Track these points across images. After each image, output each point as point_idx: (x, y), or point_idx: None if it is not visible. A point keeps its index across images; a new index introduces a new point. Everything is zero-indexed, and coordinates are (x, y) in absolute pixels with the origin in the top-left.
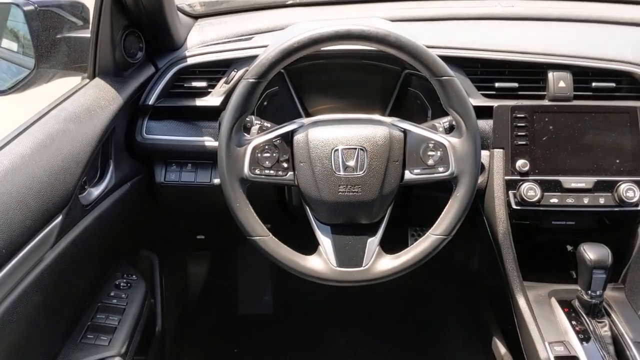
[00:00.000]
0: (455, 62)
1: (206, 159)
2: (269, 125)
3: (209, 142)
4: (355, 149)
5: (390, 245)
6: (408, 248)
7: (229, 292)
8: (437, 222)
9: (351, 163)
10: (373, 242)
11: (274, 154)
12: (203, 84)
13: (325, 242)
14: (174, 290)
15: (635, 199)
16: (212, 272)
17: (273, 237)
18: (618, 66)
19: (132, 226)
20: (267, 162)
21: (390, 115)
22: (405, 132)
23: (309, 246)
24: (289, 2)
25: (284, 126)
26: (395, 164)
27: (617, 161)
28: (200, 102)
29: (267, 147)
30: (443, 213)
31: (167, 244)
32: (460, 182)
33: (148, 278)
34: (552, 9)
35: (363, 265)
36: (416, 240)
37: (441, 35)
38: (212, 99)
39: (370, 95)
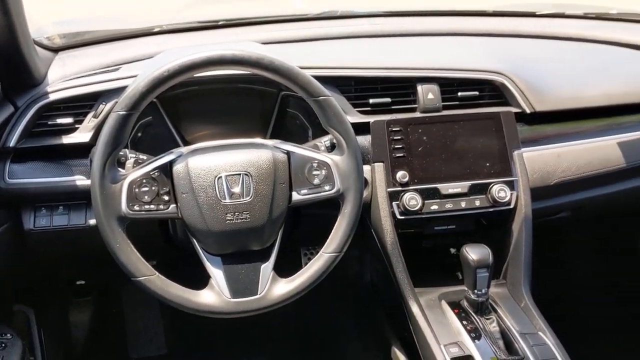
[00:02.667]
0: (330, 82)
1: (79, 199)
2: (145, 157)
3: (81, 180)
4: (240, 174)
5: (285, 268)
6: (302, 270)
7: (117, 337)
8: (328, 241)
9: (236, 189)
10: (267, 268)
11: (153, 188)
12: (69, 120)
13: (217, 273)
14: (56, 344)
15: (507, 199)
16: (97, 319)
17: (160, 275)
18: (479, 75)
19: (1, 281)
20: (146, 197)
21: (271, 137)
22: (288, 153)
23: (200, 280)
24: (156, 30)
25: (161, 157)
26: (282, 186)
27: (488, 164)
28: (67, 139)
29: (144, 181)
30: (333, 231)
31: (43, 295)
32: (347, 199)
33: (25, 335)
34: (415, 25)
35: (258, 293)
36: (309, 259)
37: (314, 55)
38: (81, 135)
39: (249, 119)
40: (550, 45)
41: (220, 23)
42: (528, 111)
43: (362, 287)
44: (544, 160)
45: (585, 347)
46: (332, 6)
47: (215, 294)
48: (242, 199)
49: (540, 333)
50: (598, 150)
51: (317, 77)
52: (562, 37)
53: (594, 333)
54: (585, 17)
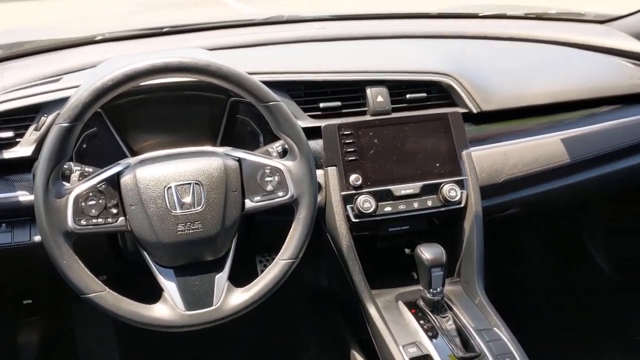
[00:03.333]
0: (279, 87)
1: (23, 215)
2: (90, 170)
3: (24, 196)
4: (190, 183)
5: (240, 277)
6: (258, 278)
7: (68, 356)
8: (283, 247)
9: (187, 199)
10: (221, 278)
11: (101, 201)
12: (9, 133)
13: (170, 286)
14: None
15: (457, 198)
16: (47, 338)
17: (110, 291)
18: (427, 77)
19: None
20: (93, 211)
21: (221, 145)
22: (239, 160)
23: (153, 293)
24: (99, 38)
25: (107, 169)
26: (234, 194)
27: (438, 165)
28: (8, 154)
29: (91, 194)
30: (288, 237)
31: None
32: (301, 204)
33: None
34: (361, 28)
35: (214, 304)
36: (265, 267)
37: (262, 60)
38: (22, 149)
39: (198, 127)
40: (494, 45)
41: (165, 30)
42: (475, 111)
43: (318, 291)
44: (491, 158)
45: (538, 339)
46: (279, 11)
47: (169, 308)
48: (193, 209)
49: (495, 329)
50: (543, 147)
51: (266, 83)
52: (505, 37)
53: (546, 325)
54: (526, 17)
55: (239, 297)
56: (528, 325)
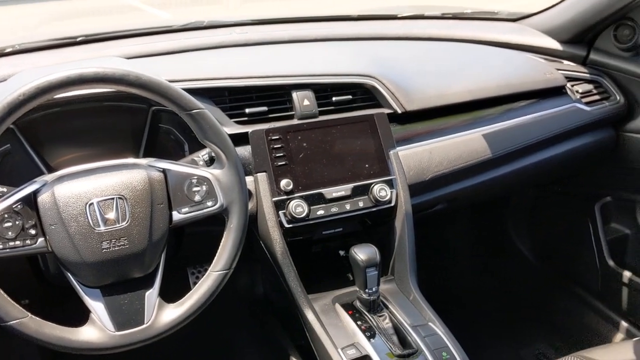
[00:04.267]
0: (203, 93)
1: None
2: (5, 190)
3: None
4: (113, 198)
5: (172, 291)
6: (191, 292)
7: None
8: (216, 258)
9: (111, 215)
10: (152, 295)
11: (17, 222)
12: None
13: (97, 307)
14: None
15: (387, 197)
16: None
17: (33, 316)
18: (351, 79)
19: None
20: (10, 233)
21: (145, 156)
22: (164, 171)
23: (80, 315)
24: (8, 50)
25: (23, 188)
26: (160, 207)
27: (367, 165)
28: None
29: (6, 215)
30: (220, 247)
31: None
32: (232, 213)
33: None
34: (283, 32)
35: (145, 322)
36: (198, 279)
37: (183, 68)
38: None
39: (119, 139)
40: (415, 46)
41: (79, 39)
42: (399, 111)
43: (254, 299)
44: (418, 157)
45: (470, 329)
46: (198, 17)
47: (97, 329)
48: (118, 225)
49: (430, 324)
50: (466, 144)
51: (189, 90)
52: (425, 37)
53: (477, 315)
54: (443, 17)
55: (172, 313)
56: (460, 316)
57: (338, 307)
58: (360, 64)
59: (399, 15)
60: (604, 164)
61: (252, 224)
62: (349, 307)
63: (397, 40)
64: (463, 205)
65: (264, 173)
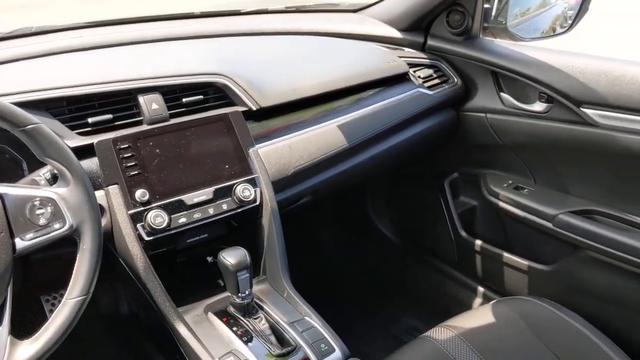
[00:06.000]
0: (36, 106)
1: None
2: None
3: None
4: None
5: (27, 324)
6: (46, 324)
7: None
8: (71, 284)
9: None
10: (1, 334)
11: None
12: None
13: None
14: None
15: (252, 197)
16: None
17: None
18: (200, 79)
19: None
20: None
21: None
22: (1, 196)
23: None
24: None
25: None
26: (1, 235)
27: (227, 166)
28: None
29: None
30: (74, 272)
31: None
32: (84, 233)
33: None
34: (124, 34)
35: None
36: (54, 306)
37: (11, 79)
38: None
39: None
40: (263, 41)
41: None
42: (254, 108)
43: (120, 318)
44: (278, 153)
45: (344, 315)
46: (25, 23)
47: None
48: None
49: (306, 318)
50: (323, 136)
51: (19, 104)
52: (272, 32)
53: (348, 300)
54: (286, 11)
55: (27, 351)
56: (334, 304)
57: (211, 315)
58: (209, 62)
59: (242, 11)
60: (449, 143)
61: (108, 242)
62: (222, 314)
63: (244, 37)
64: (327, 196)
65: (116, 185)
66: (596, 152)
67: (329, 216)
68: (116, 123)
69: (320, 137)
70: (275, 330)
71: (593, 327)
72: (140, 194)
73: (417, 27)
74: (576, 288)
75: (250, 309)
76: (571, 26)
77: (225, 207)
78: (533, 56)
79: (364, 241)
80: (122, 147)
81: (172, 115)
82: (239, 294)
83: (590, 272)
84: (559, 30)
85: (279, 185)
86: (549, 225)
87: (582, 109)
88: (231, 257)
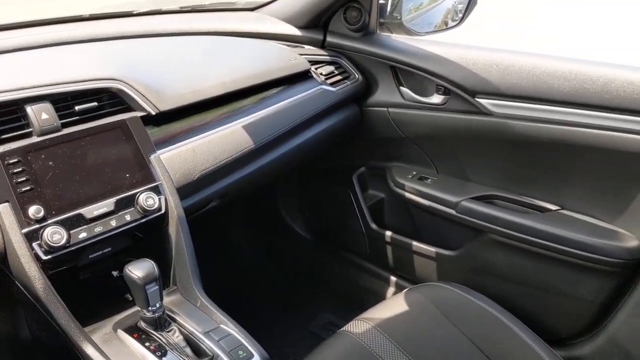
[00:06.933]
0: None
1: None
2: None
3: None
4: None
5: None
6: None
7: None
8: None
9: None
10: None
11: None
12: None
13: None
14: None
15: (156, 205)
16: None
17: None
18: (93, 85)
19: None
20: None
21: None
22: None
23: None
24: None
25: None
26: None
27: (128, 175)
28: None
29: None
30: None
31: None
32: None
33: None
34: (7, 40)
35: None
36: None
37: None
38: None
39: None
40: (159, 43)
41: None
42: (153, 113)
43: (21, 344)
44: (181, 157)
45: (263, 318)
46: None
47: None
48: None
49: (222, 325)
50: (227, 137)
51: None
52: (168, 33)
53: (266, 302)
54: (181, 11)
55: None
56: (251, 307)
57: (121, 332)
58: (102, 66)
59: (135, 12)
60: (355, 138)
61: (2, 264)
62: (133, 330)
63: (139, 39)
64: (236, 198)
65: (6, 204)
66: (492, 139)
67: (241, 217)
68: (3, 137)
69: (225, 138)
70: (190, 341)
71: (499, 306)
72: (35, 210)
73: (316, 24)
74: (481, 270)
75: (163, 322)
76: (462, 19)
77: (128, 218)
78: (428, 50)
79: (277, 240)
80: (10, 162)
81: (65, 125)
82: (149, 308)
83: (493, 254)
84: (451, 23)
85: (184, 191)
86: (453, 212)
87: (477, 99)
88: (138, 270)
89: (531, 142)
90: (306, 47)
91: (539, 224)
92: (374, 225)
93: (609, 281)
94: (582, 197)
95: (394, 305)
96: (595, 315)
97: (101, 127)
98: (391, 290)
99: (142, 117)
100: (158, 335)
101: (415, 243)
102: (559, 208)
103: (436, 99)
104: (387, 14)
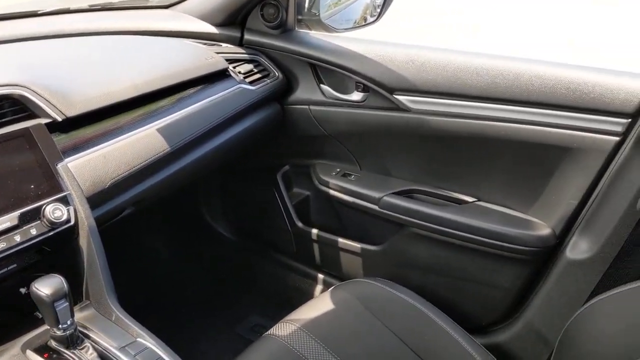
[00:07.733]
0: None
1: None
2: None
3: None
4: None
5: None
6: None
7: None
8: None
9: None
10: None
11: None
12: None
13: None
14: None
15: (65, 217)
16: None
17: None
18: None
19: None
20: None
21: None
22: None
23: None
24: None
25: None
26: None
27: (33, 186)
28: None
29: None
30: None
31: None
32: None
33: None
34: None
35: None
36: None
37: None
38: None
39: None
40: (66, 44)
41: None
42: (59, 119)
43: None
44: (92, 165)
45: (186, 325)
46: None
47: None
48: None
49: (139, 339)
50: (141, 141)
51: None
52: (74, 33)
53: (188, 308)
54: (90, 9)
55: None
56: (173, 316)
57: (30, 353)
58: (3, 72)
59: (40, 12)
60: (277, 136)
61: None
62: (43, 350)
63: (44, 40)
64: (153, 204)
65: None
66: (411, 135)
67: (159, 222)
68: None
69: (139, 142)
70: (105, 358)
71: (422, 298)
72: None
73: (233, 21)
74: (405, 264)
75: (75, 340)
76: (380, 15)
77: (34, 232)
78: (347, 47)
79: (201, 243)
80: None
81: None
82: (60, 326)
83: (415, 247)
84: (369, 19)
85: (95, 200)
86: (375, 207)
87: (395, 96)
88: (45, 287)
89: (448, 137)
90: (223, 45)
91: (456, 216)
92: (300, 224)
93: (524, 269)
94: (497, 188)
95: (319, 304)
96: (512, 303)
97: (2, 137)
98: (319, 288)
99: (47, 124)
100: (70, 354)
101: (341, 240)
102: (476, 200)
103: (356, 96)
104: (305, 10)
